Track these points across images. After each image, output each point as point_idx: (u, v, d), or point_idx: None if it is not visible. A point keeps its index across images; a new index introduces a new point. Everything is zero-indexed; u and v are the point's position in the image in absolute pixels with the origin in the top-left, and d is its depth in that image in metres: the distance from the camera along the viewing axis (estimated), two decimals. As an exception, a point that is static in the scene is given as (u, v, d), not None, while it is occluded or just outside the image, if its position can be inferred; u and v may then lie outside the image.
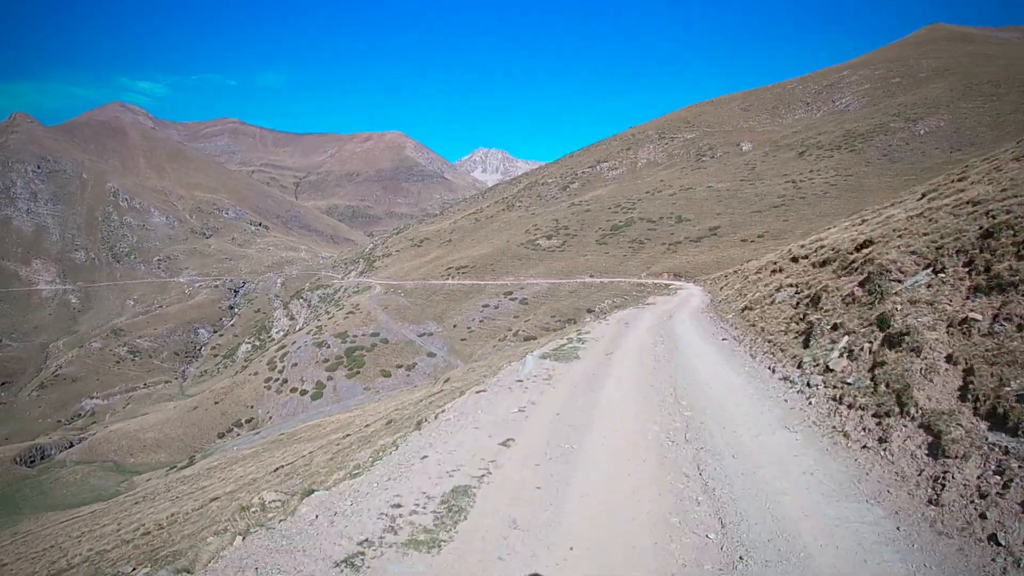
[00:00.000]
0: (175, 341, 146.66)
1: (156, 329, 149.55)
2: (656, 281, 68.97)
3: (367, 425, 28.04)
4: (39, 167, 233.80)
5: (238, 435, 72.05)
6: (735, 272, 38.64)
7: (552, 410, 12.67)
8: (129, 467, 72.99)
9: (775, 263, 25.01)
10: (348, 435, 27.42)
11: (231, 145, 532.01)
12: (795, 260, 22.20)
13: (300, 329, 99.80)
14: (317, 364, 75.76)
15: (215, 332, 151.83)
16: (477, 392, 15.33)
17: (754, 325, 18.46)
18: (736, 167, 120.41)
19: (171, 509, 27.76)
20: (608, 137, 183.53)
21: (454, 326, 78.77)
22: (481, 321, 77.42)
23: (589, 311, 63.98)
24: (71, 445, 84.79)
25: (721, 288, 35.05)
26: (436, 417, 13.35)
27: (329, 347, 78.16)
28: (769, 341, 15.78)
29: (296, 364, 78.09)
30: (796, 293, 17.37)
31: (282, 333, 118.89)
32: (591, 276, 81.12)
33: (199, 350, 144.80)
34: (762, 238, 75.28)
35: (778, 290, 19.25)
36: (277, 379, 78.01)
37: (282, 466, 26.32)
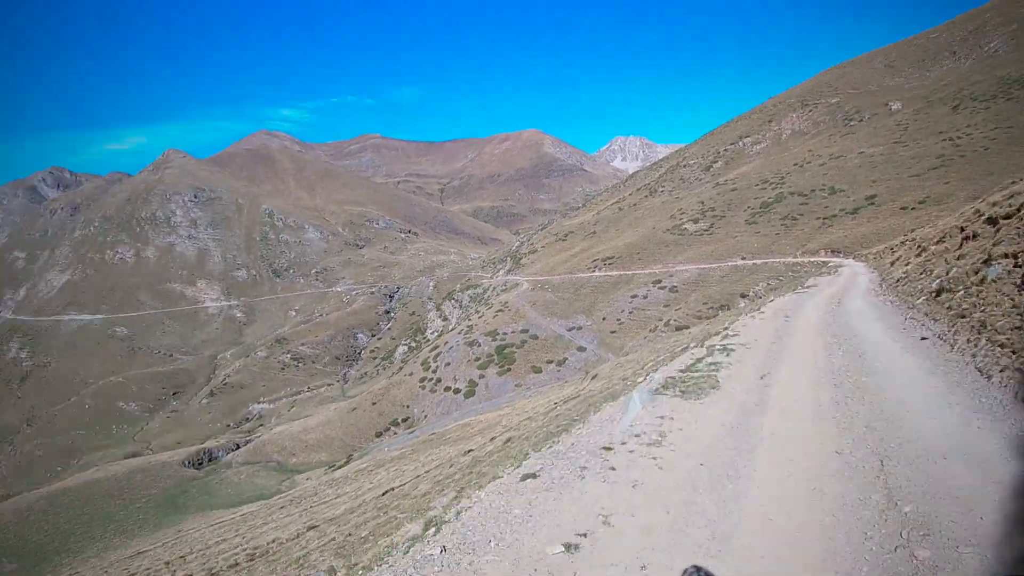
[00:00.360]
0: (335, 346, 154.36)
1: (317, 336, 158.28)
2: (813, 259, 65.65)
3: (492, 439, 26.76)
4: (195, 196, 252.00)
5: (395, 434, 73.87)
6: (904, 243, 34.92)
7: (637, 555, 6.51)
8: (291, 467, 76.22)
9: (962, 228, 19.27)
10: (471, 451, 26.27)
11: (375, 160, 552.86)
12: (992, 222, 16.43)
13: (452, 329, 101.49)
14: (469, 363, 76.62)
15: (373, 336, 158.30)
16: (522, 480, 9.29)
17: (963, 316, 12.81)
18: (887, 129, 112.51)
19: (285, 529, 28.22)
20: (748, 111, 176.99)
21: (603, 319, 77.39)
22: (630, 312, 75.72)
23: (743, 296, 61.71)
24: (237, 447, 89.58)
25: (891, 263, 30.88)
26: (438, 531, 8.13)
27: (480, 345, 78.91)
28: (1002, 345, 10.12)
29: (448, 363, 79.35)
30: (1018, 266, 12.13)
31: (436, 334, 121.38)
32: (742, 258, 77.88)
33: (359, 353, 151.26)
34: (924, 204, 70.31)
35: (986, 263, 13.82)
36: (431, 379, 79.52)
37: (392, 489, 25.89)
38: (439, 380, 78.00)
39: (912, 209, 70.47)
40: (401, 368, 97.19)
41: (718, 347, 17.40)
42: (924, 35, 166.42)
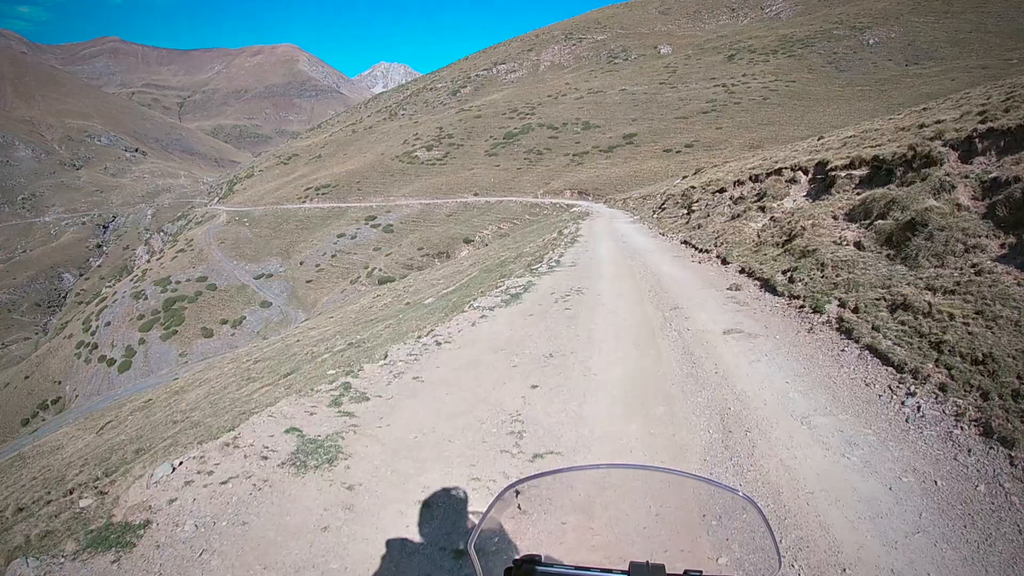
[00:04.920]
0: (36, 290, 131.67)
1: (16, 278, 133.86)
2: (555, 200, 57.30)
3: None
4: None
5: (44, 420, 57.55)
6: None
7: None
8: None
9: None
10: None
11: (111, 66, 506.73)
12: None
13: (130, 275, 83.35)
14: (131, 322, 60.67)
15: (81, 275, 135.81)
16: None
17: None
18: (654, 70, 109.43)
19: None
20: (508, 40, 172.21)
21: (300, 263, 65.24)
22: (334, 256, 63.88)
23: (467, 241, 52.10)
24: None
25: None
26: None
27: (147, 298, 62.90)
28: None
29: (109, 323, 62.82)
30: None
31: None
32: (475, 194, 68.25)
33: (63, 298, 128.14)
34: (691, 148, 65.55)
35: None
36: (88, 344, 62.67)
37: None
38: (96, 346, 61.25)
39: (677, 152, 65.77)
40: (63, 328, 78.53)
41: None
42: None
